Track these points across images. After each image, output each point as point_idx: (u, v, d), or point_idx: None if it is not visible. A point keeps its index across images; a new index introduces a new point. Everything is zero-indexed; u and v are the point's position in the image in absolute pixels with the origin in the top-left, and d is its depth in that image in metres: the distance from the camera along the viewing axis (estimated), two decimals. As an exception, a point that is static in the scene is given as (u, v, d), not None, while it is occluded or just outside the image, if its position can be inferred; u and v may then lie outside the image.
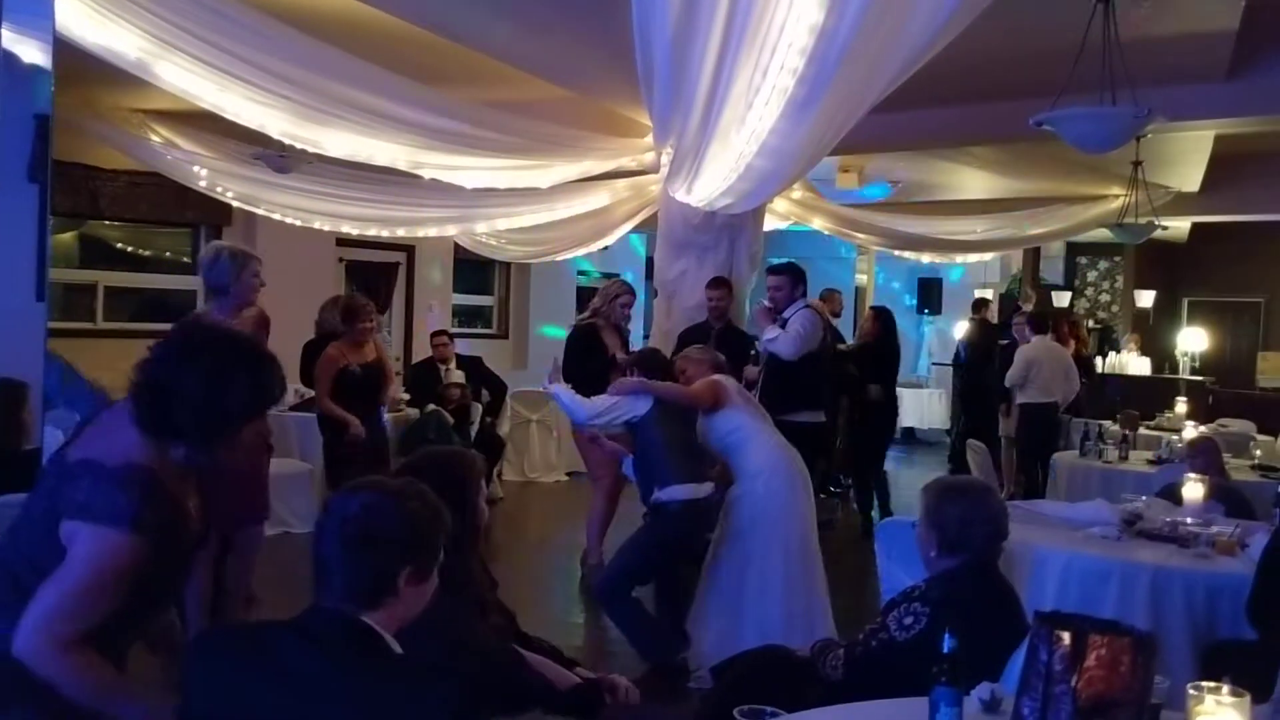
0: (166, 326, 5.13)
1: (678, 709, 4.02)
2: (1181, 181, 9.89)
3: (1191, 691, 1.96)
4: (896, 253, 11.85)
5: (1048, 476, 7.42)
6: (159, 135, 7.88)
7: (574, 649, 5.06)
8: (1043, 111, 4.60)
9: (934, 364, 14.56)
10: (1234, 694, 1.94)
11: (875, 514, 7.90)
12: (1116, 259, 15.11)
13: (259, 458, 4.53)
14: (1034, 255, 14.03)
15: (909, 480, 9.65)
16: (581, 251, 10.42)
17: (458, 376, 8.61)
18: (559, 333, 9.30)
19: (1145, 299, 14.47)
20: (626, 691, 2.71)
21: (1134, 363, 13.07)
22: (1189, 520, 4.24)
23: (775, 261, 7.02)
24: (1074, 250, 15.13)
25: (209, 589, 4.30)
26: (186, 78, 4.90)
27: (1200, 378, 12.94)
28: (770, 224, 8.59)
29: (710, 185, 5.77)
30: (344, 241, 9.74)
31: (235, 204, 8.09)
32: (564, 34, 5.75)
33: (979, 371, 10.01)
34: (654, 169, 7.18)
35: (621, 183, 7.96)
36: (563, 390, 4.82)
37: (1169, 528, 4.18)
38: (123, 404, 2.07)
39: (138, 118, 7.86)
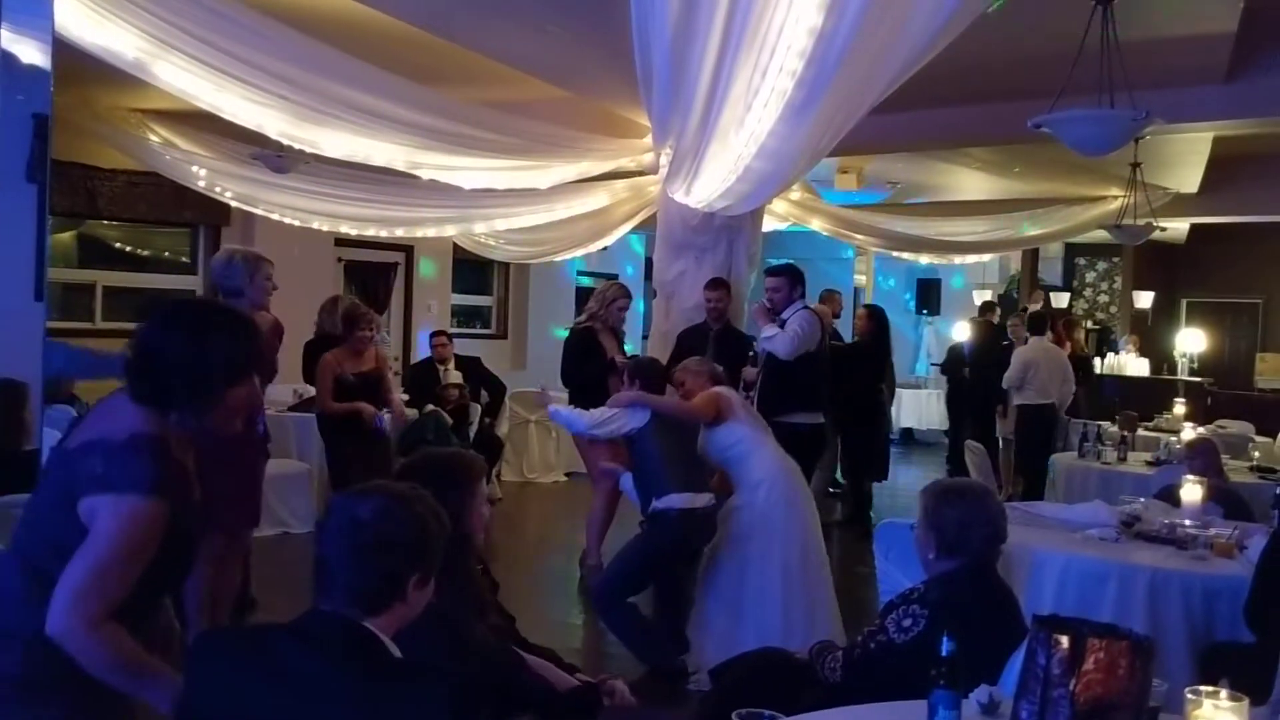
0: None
1: (676, 711, 4.02)
2: (1180, 183, 9.91)
3: (1190, 695, 1.97)
4: (895, 254, 11.85)
5: (1046, 478, 7.42)
6: (157, 135, 7.88)
7: (573, 650, 5.07)
8: (1041, 114, 4.59)
9: (933, 364, 14.57)
10: (1232, 698, 1.95)
11: (872, 515, 7.92)
12: (1115, 260, 15.11)
13: (255, 462, 4.52)
14: (1033, 256, 14.04)
15: (907, 481, 9.66)
16: (580, 252, 10.42)
17: (456, 377, 8.60)
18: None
19: (1144, 300, 14.48)
20: (624, 694, 2.71)
21: (1132, 364, 13.08)
22: (1187, 522, 4.24)
23: (774, 263, 7.02)
24: (1073, 251, 15.14)
25: (209, 589, 4.28)
26: (184, 78, 4.90)
27: (1198, 379, 12.95)
28: (769, 225, 8.58)
29: (709, 187, 5.77)
30: (342, 241, 9.73)
31: (233, 204, 8.10)
32: (562, 34, 5.75)
33: (984, 373, 9.98)
34: (653, 170, 7.18)
35: (620, 183, 7.96)
36: (560, 407, 4.99)
37: (1167, 529, 4.18)
38: (116, 392, 2.15)
39: (136, 117, 7.86)
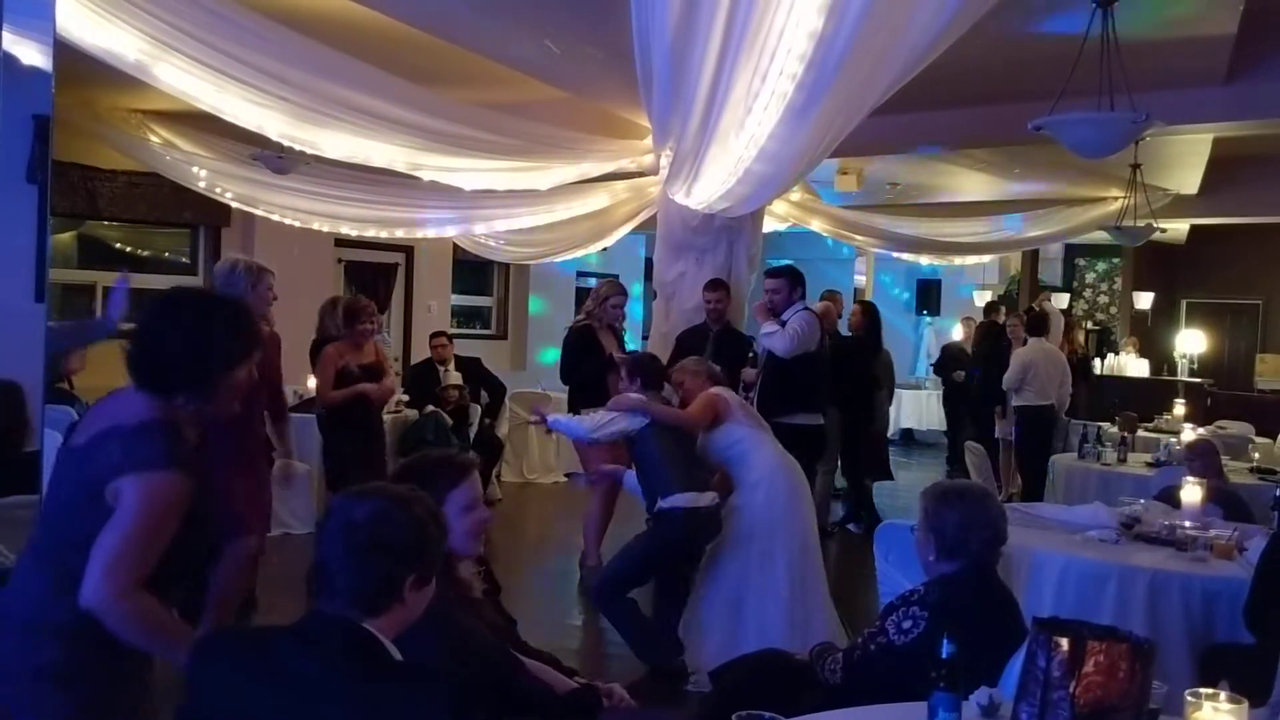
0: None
1: (676, 713, 4.02)
2: (1180, 184, 9.91)
3: (1189, 698, 1.97)
4: (895, 254, 11.85)
5: (1046, 479, 7.42)
6: (158, 136, 7.89)
7: (572, 651, 5.08)
8: (1042, 116, 4.59)
9: (932, 365, 14.57)
10: (1231, 700, 1.95)
11: (865, 516, 7.92)
12: (1115, 261, 15.12)
13: (261, 468, 4.53)
14: (1033, 257, 14.05)
15: (907, 482, 9.65)
16: (580, 253, 10.43)
17: (456, 378, 8.60)
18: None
19: (1144, 301, 14.48)
20: (623, 697, 2.71)
21: (1132, 364, 13.08)
22: (1187, 523, 4.25)
23: (774, 264, 7.02)
24: (1073, 252, 15.14)
25: (223, 590, 4.31)
26: (185, 79, 4.91)
27: (1198, 380, 12.95)
28: (769, 225, 8.59)
29: (709, 188, 5.77)
30: (342, 242, 9.74)
31: (234, 204, 8.10)
32: (563, 36, 5.75)
33: (986, 374, 9.97)
34: (653, 171, 7.18)
35: (620, 184, 7.97)
36: (558, 416, 5.11)
37: (1167, 531, 4.18)
38: (115, 391, 2.25)
39: (136, 118, 7.87)
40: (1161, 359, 13.93)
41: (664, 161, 6.34)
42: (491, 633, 2.62)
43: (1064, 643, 1.86)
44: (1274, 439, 8.30)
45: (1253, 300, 14.95)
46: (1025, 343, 8.69)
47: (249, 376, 2.30)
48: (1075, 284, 15.67)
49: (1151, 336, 14.29)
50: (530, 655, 2.75)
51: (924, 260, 12.42)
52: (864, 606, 5.41)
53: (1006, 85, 6.47)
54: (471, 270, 11.98)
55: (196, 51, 4.63)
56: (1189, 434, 7.07)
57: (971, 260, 13.19)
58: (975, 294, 14.45)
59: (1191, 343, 14.28)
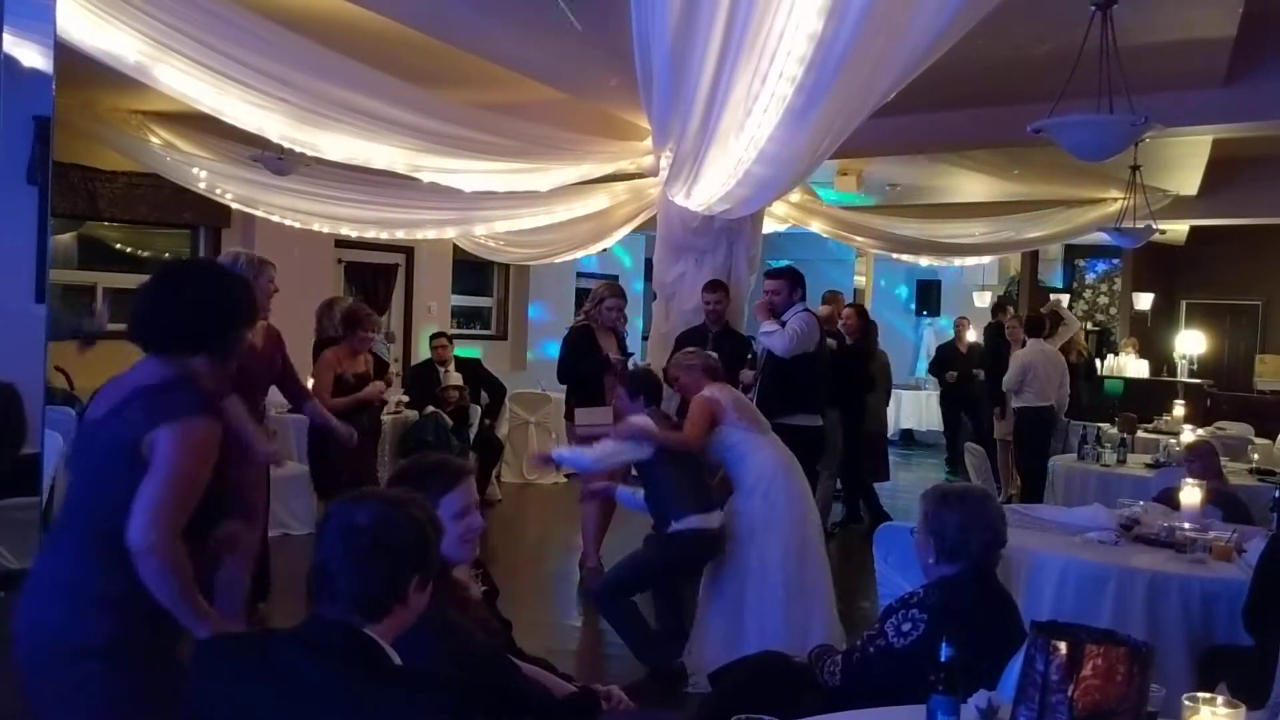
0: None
1: (675, 715, 4.02)
2: (1179, 185, 9.91)
3: (1187, 703, 1.97)
4: (895, 255, 11.85)
5: (1045, 480, 7.42)
6: (158, 137, 7.89)
7: (571, 652, 5.09)
8: (1041, 118, 4.59)
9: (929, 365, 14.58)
10: (1229, 704, 1.95)
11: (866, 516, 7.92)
12: (1115, 262, 15.12)
13: (259, 463, 4.53)
14: (1033, 258, 14.05)
15: (907, 483, 9.66)
16: (581, 254, 10.43)
17: (456, 378, 8.61)
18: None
19: (1143, 301, 14.47)
20: (622, 699, 2.71)
21: (1132, 365, 13.09)
22: (1186, 525, 4.25)
23: (774, 264, 7.02)
24: (1072, 253, 15.14)
25: (245, 580, 4.36)
26: (185, 80, 4.91)
27: (1198, 381, 12.95)
28: (769, 226, 8.59)
29: (709, 190, 5.77)
30: (342, 243, 9.74)
31: (234, 205, 8.09)
32: (563, 37, 5.75)
33: (993, 375, 9.95)
34: (653, 172, 7.18)
35: (620, 185, 7.97)
36: (563, 450, 5.18)
37: (1166, 533, 4.19)
38: (124, 372, 2.33)
39: (137, 119, 7.87)
40: (1161, 360, 13.93)
41: (664, 163, 6.34)
42: (487, 635, 2.62)
43: (1062, 646, 1.86)
44: (1273, 440, 8.31)
45: (1252, 301, 14.95)
46: (1024, 344, 8.70)
47: (249, 346, 2.41)
48: (1075, 285, 15.66)
49: (1151, 337, 14.29)
50: (523, 660, 2.75)
51: (923, 261, 12.41)
52: (864, 608, 5.42)
53: (1006, 87, 6.47)
54: (471, 271, 11.98)
55: (197, 53, 4.63)
56: (1188, 435, 7.08)
57: (971, 261, 13.18)
58: (975, 295, 14.45)
59: (1191, 344, 14.27)
